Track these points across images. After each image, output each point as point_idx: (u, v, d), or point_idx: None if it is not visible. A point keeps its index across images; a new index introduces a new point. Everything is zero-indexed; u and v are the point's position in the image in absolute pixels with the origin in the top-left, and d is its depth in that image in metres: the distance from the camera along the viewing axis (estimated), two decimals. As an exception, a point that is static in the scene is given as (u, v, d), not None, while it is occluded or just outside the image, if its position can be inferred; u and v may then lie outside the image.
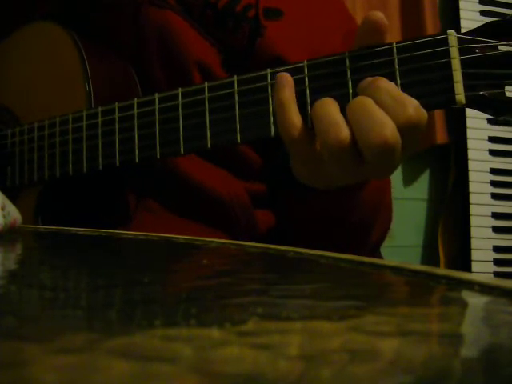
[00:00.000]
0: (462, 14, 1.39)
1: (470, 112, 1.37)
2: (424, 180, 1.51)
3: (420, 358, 0.14)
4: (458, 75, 0.41)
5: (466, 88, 0.41)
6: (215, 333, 0.16)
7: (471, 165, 1.39)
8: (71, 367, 0.13)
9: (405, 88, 0.42)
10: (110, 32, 0.65)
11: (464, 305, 0.22)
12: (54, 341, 0.15)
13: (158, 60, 0.63)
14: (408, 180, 1.50)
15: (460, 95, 0.41)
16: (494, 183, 1.40)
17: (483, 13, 1.41)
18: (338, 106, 0.42)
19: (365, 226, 0.60)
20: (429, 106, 0.42)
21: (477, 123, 1.39)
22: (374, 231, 0.61)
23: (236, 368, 0.13)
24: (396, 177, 1.49)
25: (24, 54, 0.68)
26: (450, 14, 1.43)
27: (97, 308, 0.20)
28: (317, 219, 0.59)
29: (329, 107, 0.42)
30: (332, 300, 0.21)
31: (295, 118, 0.43)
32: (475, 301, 0.21)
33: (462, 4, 1.40)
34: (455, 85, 0.41)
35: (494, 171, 1.41)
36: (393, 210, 0.64)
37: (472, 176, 1.39)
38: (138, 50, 0.64)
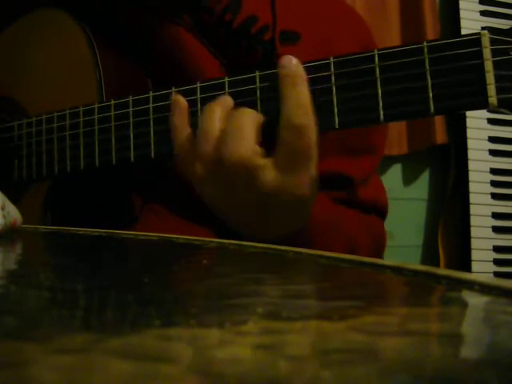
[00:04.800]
0: (462, 14, 1.39)
1: (469, 112, 1.36)
2: (424, 180, 1.51)
3: (420, 358, 0.14)
4: (490, 77, 0.39)
5: (498, 90, 0.39)
6: (215, 333, 0.16)
7: (471, 165, 1.39)
8: (71, 367, 0.13)
9: (435, 89, 0.40)
10: (113, 30, 0.65)
11: (464, 305, 0.22)
12: (53, 341, 0.15)
13: (162, 70, 0.62)
14: (408, 180, 1.50)
15: (492, 98, 0.39)
16: (494, 183, 1.40)
17: (483, 13, 1.41)
18: (222, 112, 0.45)
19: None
20: (460, 108, 0.41)
21: (477, 123, 1.39)
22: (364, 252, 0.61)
23: (236, 368, 0.13)
24: (396, 177, 1.49)
25: (29, 43, 0.65)
26: (450, 14, 1.43)
27: (97, 308, 0.20)
28: None
29: (210, 114, 0.45)
30: (332, 300, 0.21)
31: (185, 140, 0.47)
32: (475, 301, 0.21)
33: (461, 4, 1.40)
34: (488, 87, 0.39)
35: (493, 171, 1.40)
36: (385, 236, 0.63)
37: (472, 176, 1.39)
38: (144, 52, 0.63)
